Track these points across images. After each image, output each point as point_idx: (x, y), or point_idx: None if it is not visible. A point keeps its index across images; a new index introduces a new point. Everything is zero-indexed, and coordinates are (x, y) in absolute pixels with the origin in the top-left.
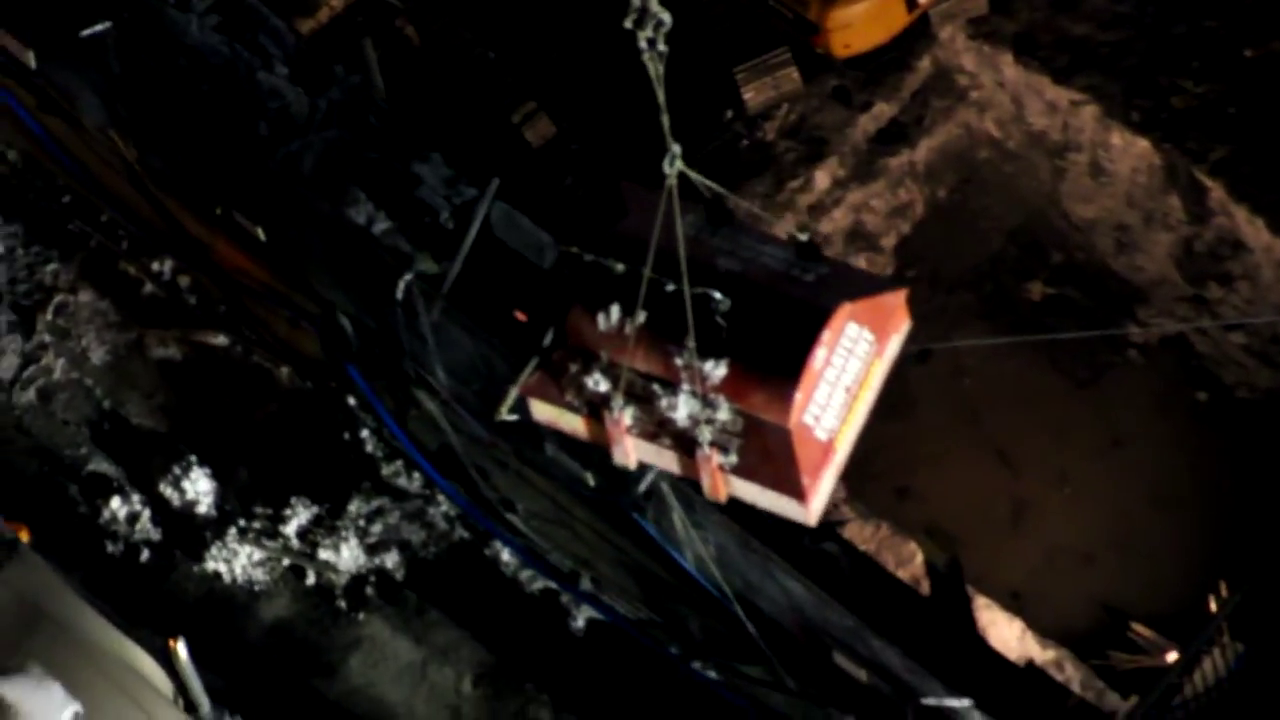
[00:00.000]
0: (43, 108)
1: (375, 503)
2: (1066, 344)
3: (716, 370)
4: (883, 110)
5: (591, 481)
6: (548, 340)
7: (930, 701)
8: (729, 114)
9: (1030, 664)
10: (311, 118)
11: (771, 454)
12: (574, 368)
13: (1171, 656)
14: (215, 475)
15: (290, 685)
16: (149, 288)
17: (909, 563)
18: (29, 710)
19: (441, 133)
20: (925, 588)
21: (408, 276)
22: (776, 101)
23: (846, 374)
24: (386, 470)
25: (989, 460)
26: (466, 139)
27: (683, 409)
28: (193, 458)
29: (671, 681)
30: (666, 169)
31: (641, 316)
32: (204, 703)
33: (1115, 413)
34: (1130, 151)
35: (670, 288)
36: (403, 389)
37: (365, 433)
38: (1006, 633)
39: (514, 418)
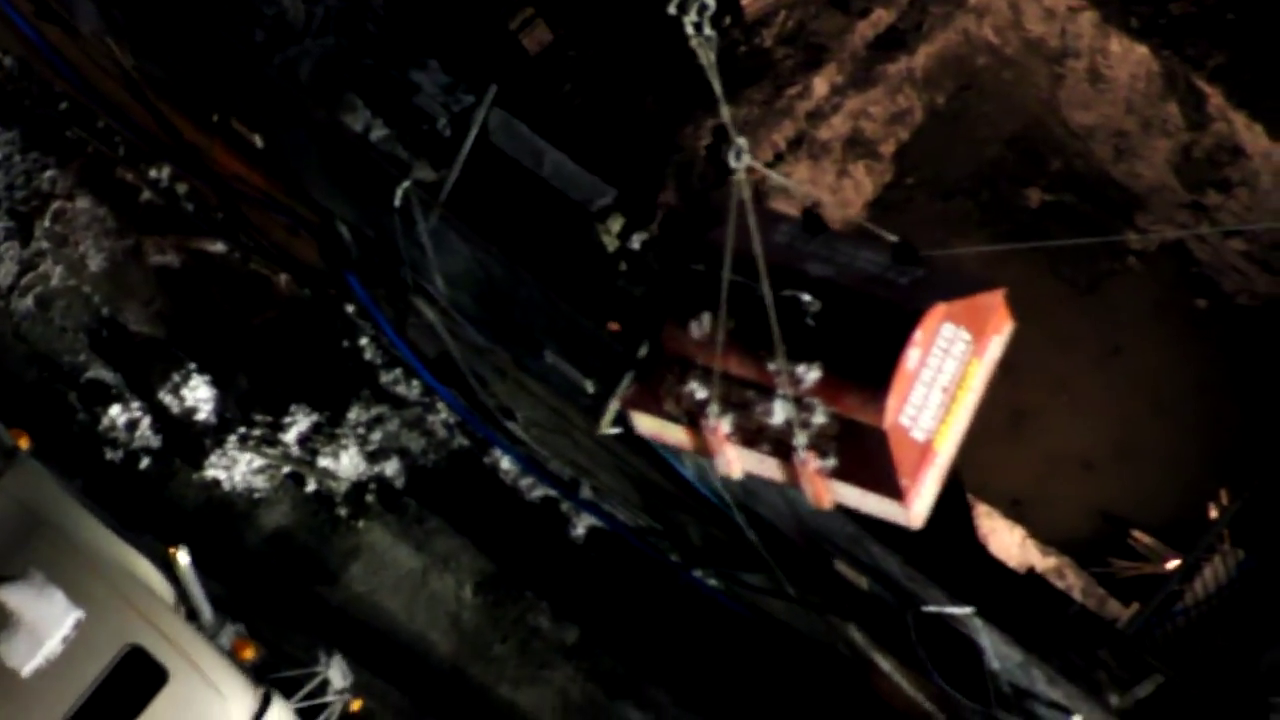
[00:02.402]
0: (39, 14)
1: (374, 410)
2: (1065, 251)
3: (810, 374)
4: (881, 16)
5: (591, 389)
6: (643, 351)
7: (931, 609)
8: (726, 20)
9: (1031, 571)
10: (308, 24)
11: (869, 456)
12: (671, 378)
13: (1172, 563)
14: (214, 382)
15: (290, 592)
16: (146, 194)
17: None
18: (31, 617)
19: (438, 40)
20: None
21: (405, 184)
22: (774, 8)
23: (943, 374)
24: (385, 378)
25: None
26: (463, 46)
27: (779, 414)
28: (192, 365)
29: (671, 589)
30: (733, 163)
31: (732, 323)
32: (205, 609)
33: (1115, 320)
34: (1128, 58)
35: (761, 293)
36: (401, 296)
37: (364, 340)
38: (1007, 540)
39: (616, 430)
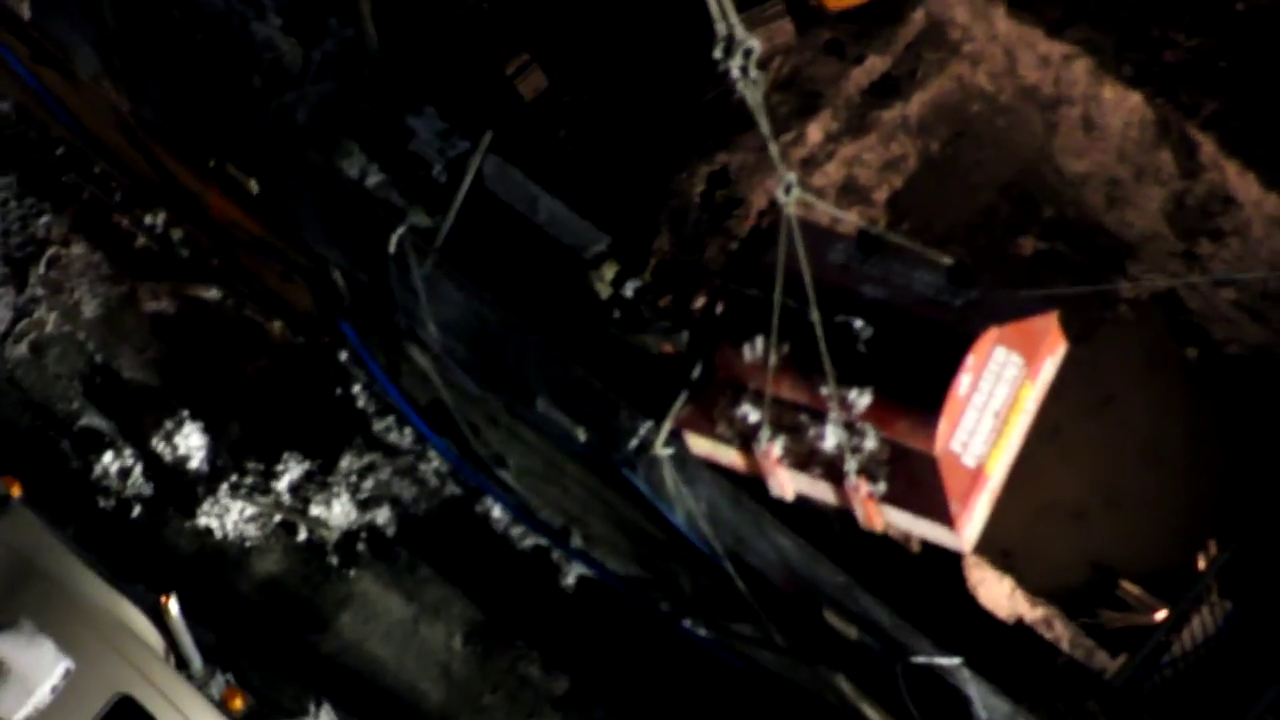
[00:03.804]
0: (37, 59)
1: (367, 458)
2: (1057, 299)
3: (861, 398)
4: (875, 63)
5: (583, 438)
6: (697, 373)
7: (920, 659)
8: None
9: (1019, 622)
10: (305, 70)
11: (919, 482)
12: (724, 400)
13: (1160, 614)
14: (207, 430)
15: (281, 641)
16: (142, 240)
17: None
18: (20, 666)
19: (435, 86)
20: (915, 545)
21: (400, 230)
22: (770, 54)
23: (995, 399)
24: (378, 426)
25: None
26: (459, 92)
27: (830, 438)
28: (185, 412)
29: (662, 639)
30: (782, 198)
31: (786, 347)
32: (195, 659)
33: (1106, 369)
34: (1122, 105)
35: (812, 317)
36: (395, 344)
37: (357, 388)
38: (996, 590)
39: (669, 451)
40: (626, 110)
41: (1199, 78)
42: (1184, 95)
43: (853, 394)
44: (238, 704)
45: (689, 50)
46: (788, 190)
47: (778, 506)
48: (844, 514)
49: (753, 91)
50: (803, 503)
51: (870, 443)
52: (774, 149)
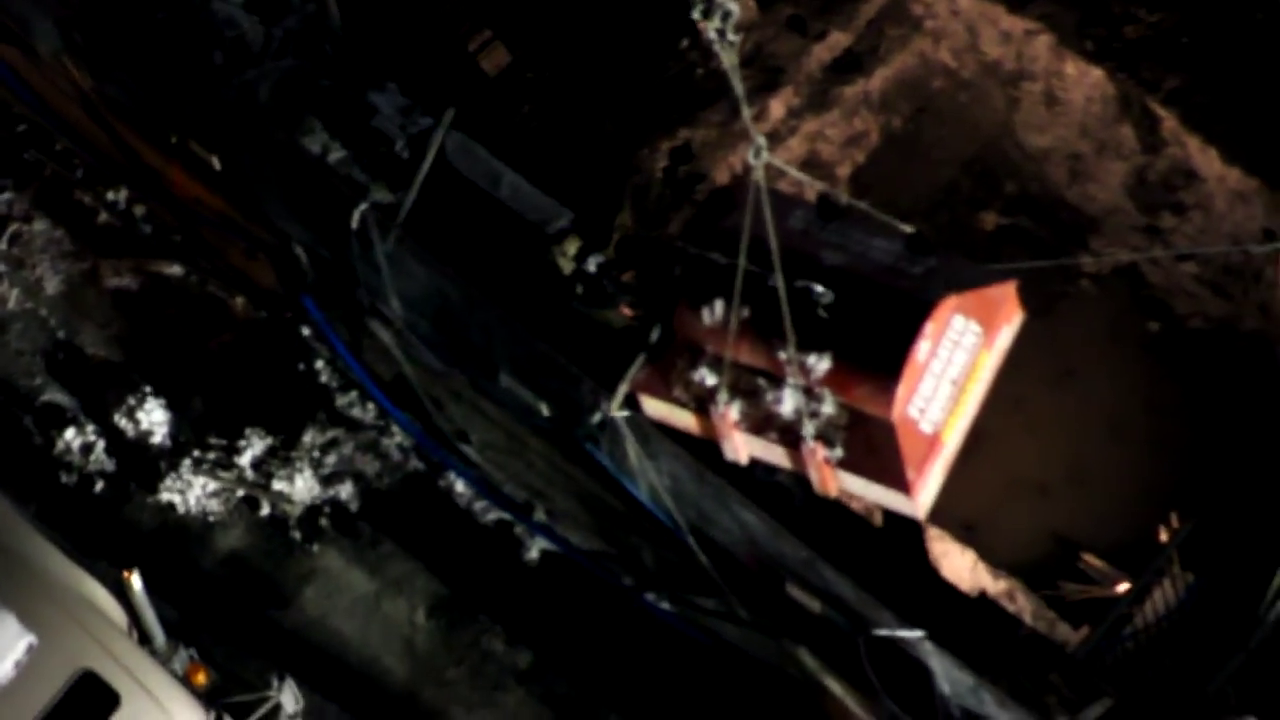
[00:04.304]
0: None
1: (330, 434)
2: (1020, 274)
3: (820, 363)
4: (838, 39)
5: (546, 412)
6: (655, 336)
7: (883, 632)
8: (684, 42)
9: (982, 595)
10: (267, 46)
11: (876, 447)
12: (681, 363)
13: (1122, 587)
14: (170, 406)
15: (244, 616)
16: (104, 217)
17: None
18: None
19: (397, 62)
20: (878, 519)
21: (363, 206)
22: (734, 28)
23: (953, 366)
24: (341, 401)
25: None
26: (422, 68)
27: (788, 403)
28: (147, 388)
29: (625, 613)
30: (752, 160)
31: (745, 311)
32: (158, 634)
33: (1068, 343)
34: (1084, 81)
35: (774, 282)
36: (357, 319)
37: (320, 363)
38: (958, 563)
39: (625, 414)
40: (589, 86)
41: (1161, 53)
42: (1146, 71)
43: (811, 359)
44: (201, 679)
45: (651, 27)
46: (757, 154)
47: (741, 481)
48: (803, 485)
49: (728, 53)
50: (757, 469)
51: (828, 407)
52: (745, 112)
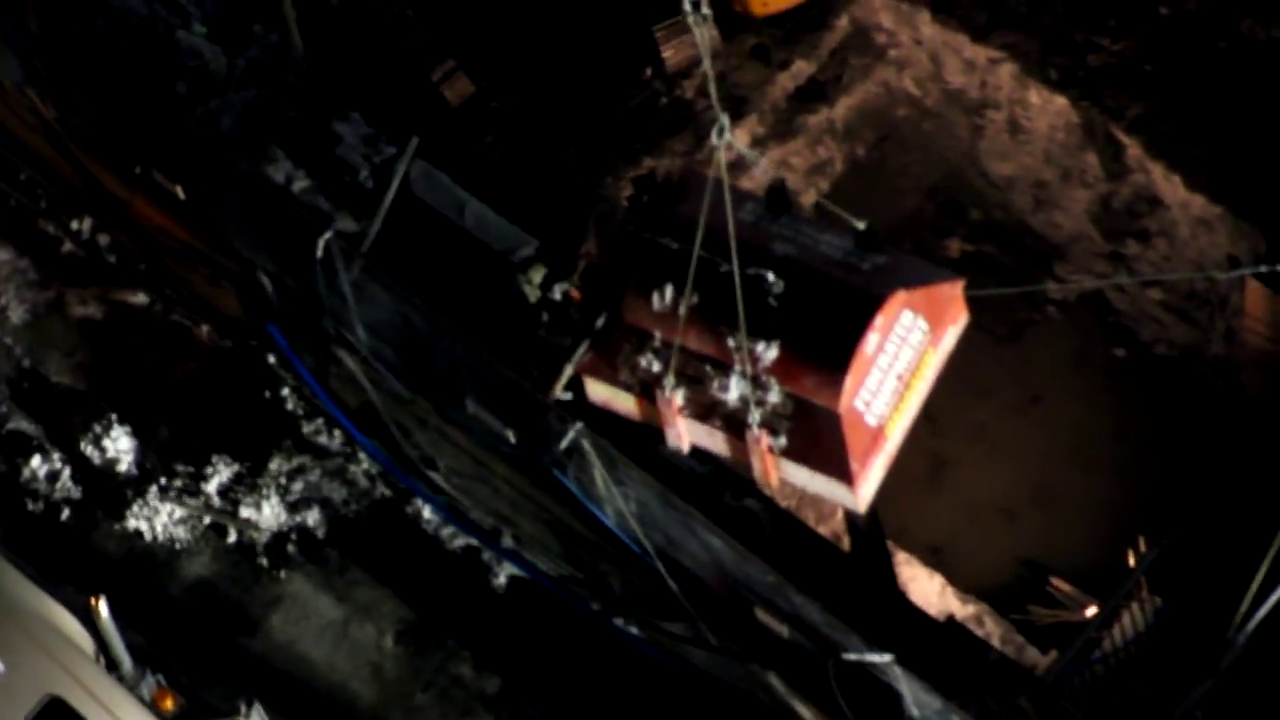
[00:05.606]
0: None
1: (296, 460)
2: (985, 301)
3: (768, 352)
4: (801, 68)
5: (512, 438)
6: (601, 320)
7: (851, 657)
8: (648, 72)
9: (950, 619)
10: (230, 76)
11: (821, 438)
12: (628, 348)
13: (1091, 611)
14: (136, 433)
15: (212, 643)
16: (68, 246)
17: (830, 519)
18: None
19: (360, 91)
20: (846, 544)
21: (327, 235)
22: (696, 59)
23: (899, 362)
24: (307, 428)
25: None
26: (385, 98)
27: (734, 390)
28: (113, 416)
29: (593, 638)
30: (715, 140)
31: (695, 297)
32: (125, 660)
33: (1034, 369)
34: (1048, 109)
35: (725, 269)
36: (323, 347)
37: (286, 391)
38: (927, 588)
39: (568, 396)
40: (553, 115)
41: (1124, 81)
42: (1109, 98)
43: (760, 347)
44: (168, 705)
45: (615, 56)
46: (720, 133)
47: (708, 506)
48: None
49: (701, 29)
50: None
51: (774, 397)
52: (713, 89)
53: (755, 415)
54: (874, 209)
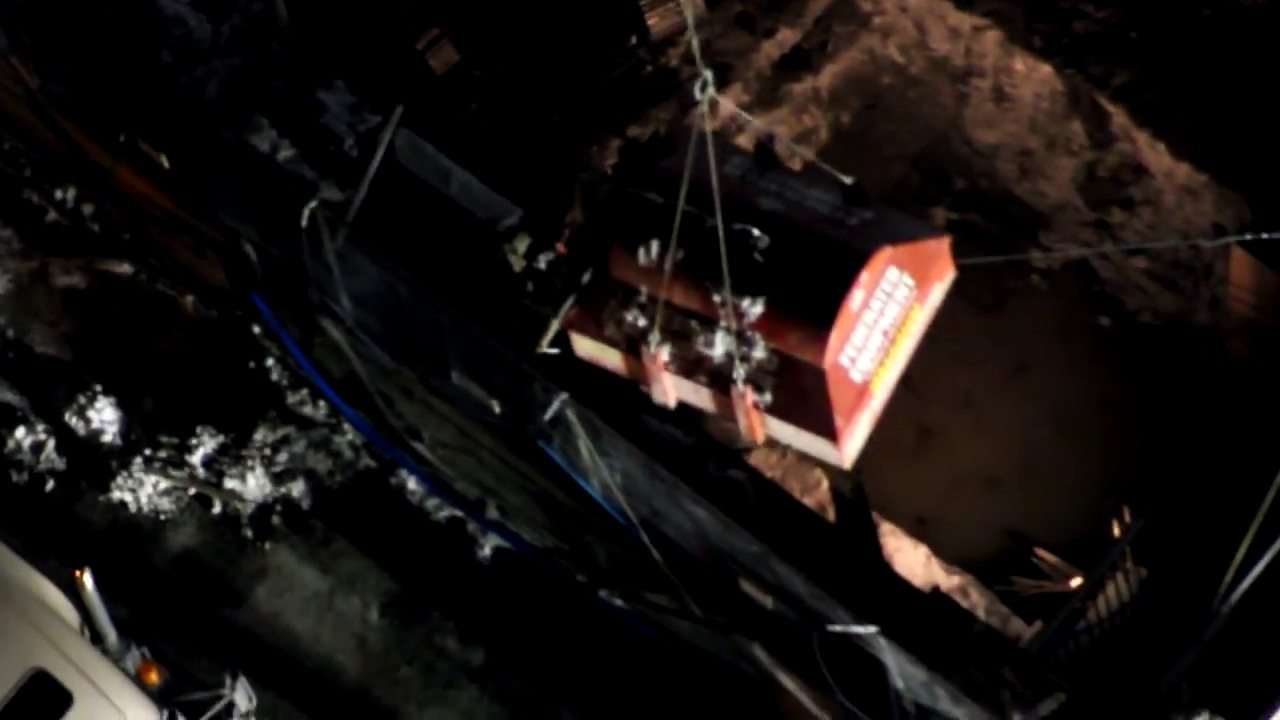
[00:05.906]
0: None
1: (281, 431)
2: (970, 269)
3: (754, 308)
4: (786, 36)
5: (497, 409)
6: (588, 275)
7: (836, 628)
8: (633, 40)
9: (935, 590)
10: (214, 45)
11: (806, 394)
12: (614, 303)
13: (1075, 582)
14: (120, 404)
15: (196, 615)
16: (52, 216)
17: (814, 489)
18: None
19: (345, 60)
20: (831, 514)
21: (312, 204)
22: (680, 28)
23: (885, 318)
24: (292, 399)
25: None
26: (370, 66)
27: (719, 346)
28: (98, 387)
29: (578, 610)
30: (698, 94)
31: (681, 252)
32: (110, 632)
33: (1019, 338)
34: (1033, 77)
35: (711, 224)
36: (308, 317)
37: (270, 361)
38: (912, 559)
39: (554, 351)
40: (538, 84)
41: (1109, 49)
42: (1094, 66)
43: (745, 303)
44: (153, 677)
45: (600, 25)
46: (703, 88)
47: (693, 478)
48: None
49: None
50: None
51: (759, 352)
52: (695, 42)
53: (740, 371)
54: (859, 177)
